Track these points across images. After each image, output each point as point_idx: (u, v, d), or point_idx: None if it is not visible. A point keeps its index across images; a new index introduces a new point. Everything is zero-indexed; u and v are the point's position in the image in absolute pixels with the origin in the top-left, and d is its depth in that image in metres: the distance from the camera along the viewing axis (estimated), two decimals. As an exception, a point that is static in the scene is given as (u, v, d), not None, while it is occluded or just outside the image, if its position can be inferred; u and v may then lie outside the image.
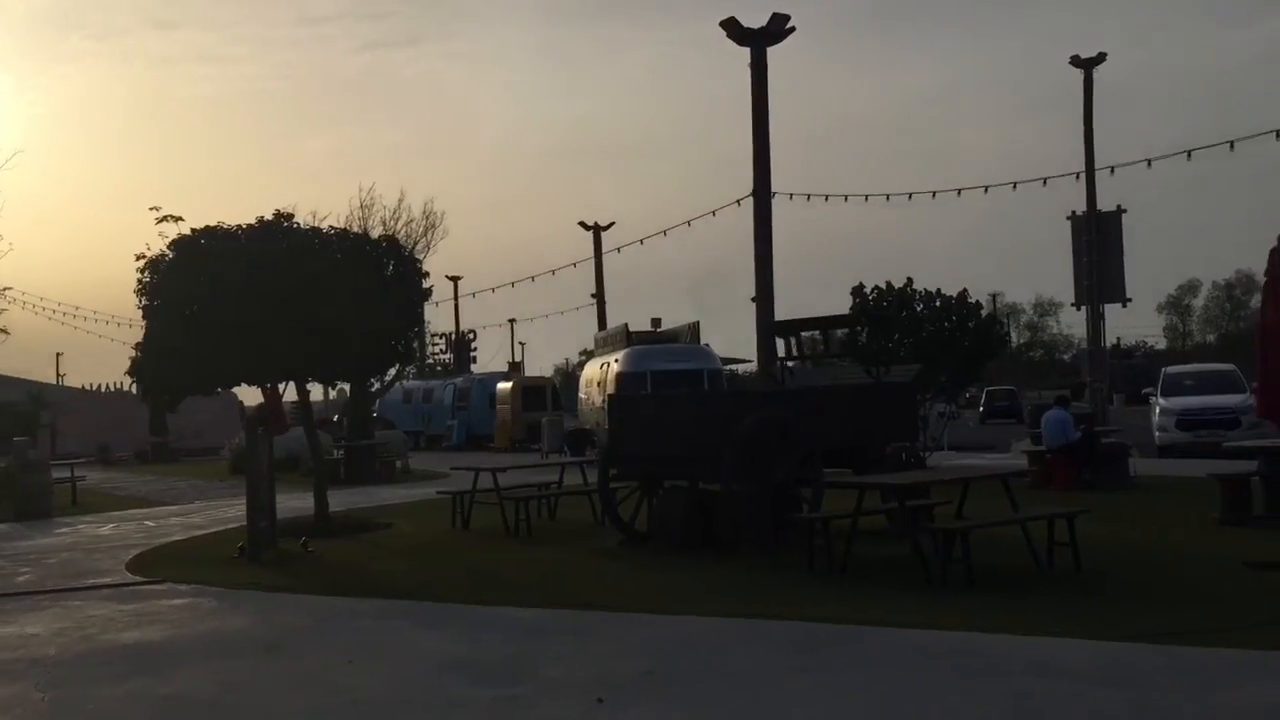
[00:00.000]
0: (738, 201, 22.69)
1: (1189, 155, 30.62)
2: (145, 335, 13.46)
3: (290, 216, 13.81)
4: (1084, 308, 32.11)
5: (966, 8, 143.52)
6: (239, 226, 13.61)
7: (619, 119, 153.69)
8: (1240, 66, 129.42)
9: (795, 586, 9.94)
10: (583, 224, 43.27)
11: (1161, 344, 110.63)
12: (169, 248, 13.32)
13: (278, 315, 13.00)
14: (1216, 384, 24.88)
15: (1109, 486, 16.84)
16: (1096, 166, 31.08)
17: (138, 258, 13.69)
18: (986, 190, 27.41)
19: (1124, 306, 32.40)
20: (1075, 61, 31.56)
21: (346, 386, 32.47)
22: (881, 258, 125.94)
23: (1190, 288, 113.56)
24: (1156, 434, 24.29)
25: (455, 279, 57.25)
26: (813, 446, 12.19)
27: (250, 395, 39.86)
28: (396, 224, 44.85)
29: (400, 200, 71.82)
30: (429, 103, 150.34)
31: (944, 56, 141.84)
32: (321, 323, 13.17)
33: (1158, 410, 24.24)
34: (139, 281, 13.36)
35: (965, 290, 19.65)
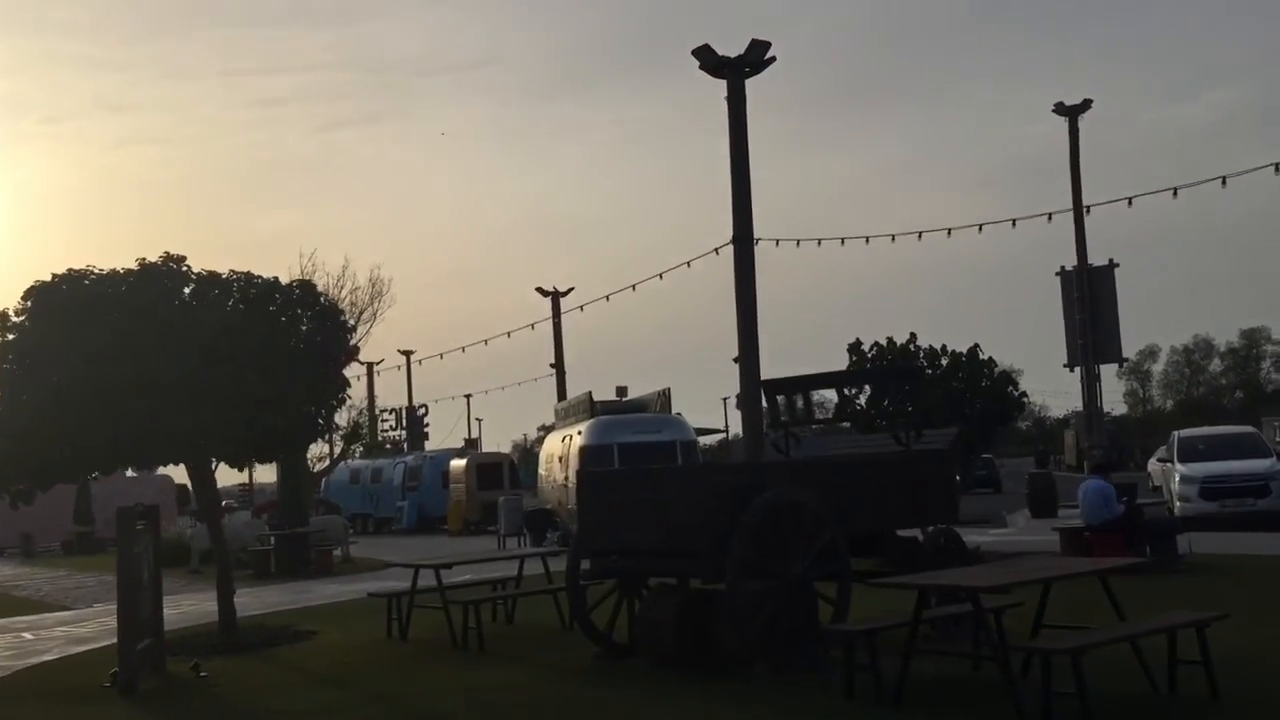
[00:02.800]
0: (716, 250, 20.46)
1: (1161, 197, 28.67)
2: (-4, 411, 10.74)
3: (181, 259, 11.23)
4: (1077, 369, 30.30)
5: (929, 83, 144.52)
6: (114, 271, 10.99)
7: (575, 195, 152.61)
8: (1190, 132, 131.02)
9: (838, 727, 7.38)
10: (540, 289, 40.94)
11: (1121, 409, 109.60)
12: (23, 298, 10.65)
13: (164, 381, 10.35)
14: (1236, 448, 22.74)
15: (1158, 569, 14.41)
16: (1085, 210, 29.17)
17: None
18: (980, 229, 25.23)
19: (1121, 367, 30.55)
20: (1060, 109, 29.95)
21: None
22: (861, 316, 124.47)
23: (1150, 352, 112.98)
24: (1177, 504, 22.01)
25: (407, 353, 54.63)
26: (837, 533, 9.68)
27: (184, 475, 37.01)
28: (340, 292, 42.49)
29: (345, 267, 69.44)
30: (383, 183, 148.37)
31: (905, 131, 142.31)
32: (218, 389, 10.53)
33: (1177, 478, 22.00)
34: (-14, 341, 10.67)
35: (976, 346, 17.38)
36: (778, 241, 21.70)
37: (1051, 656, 6.82)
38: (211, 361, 10.63)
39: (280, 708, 9.39)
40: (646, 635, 10.04)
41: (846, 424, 13.57)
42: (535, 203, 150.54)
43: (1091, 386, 30.23)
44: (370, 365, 52.04)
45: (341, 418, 47.03)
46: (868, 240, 23.19)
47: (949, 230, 27.55)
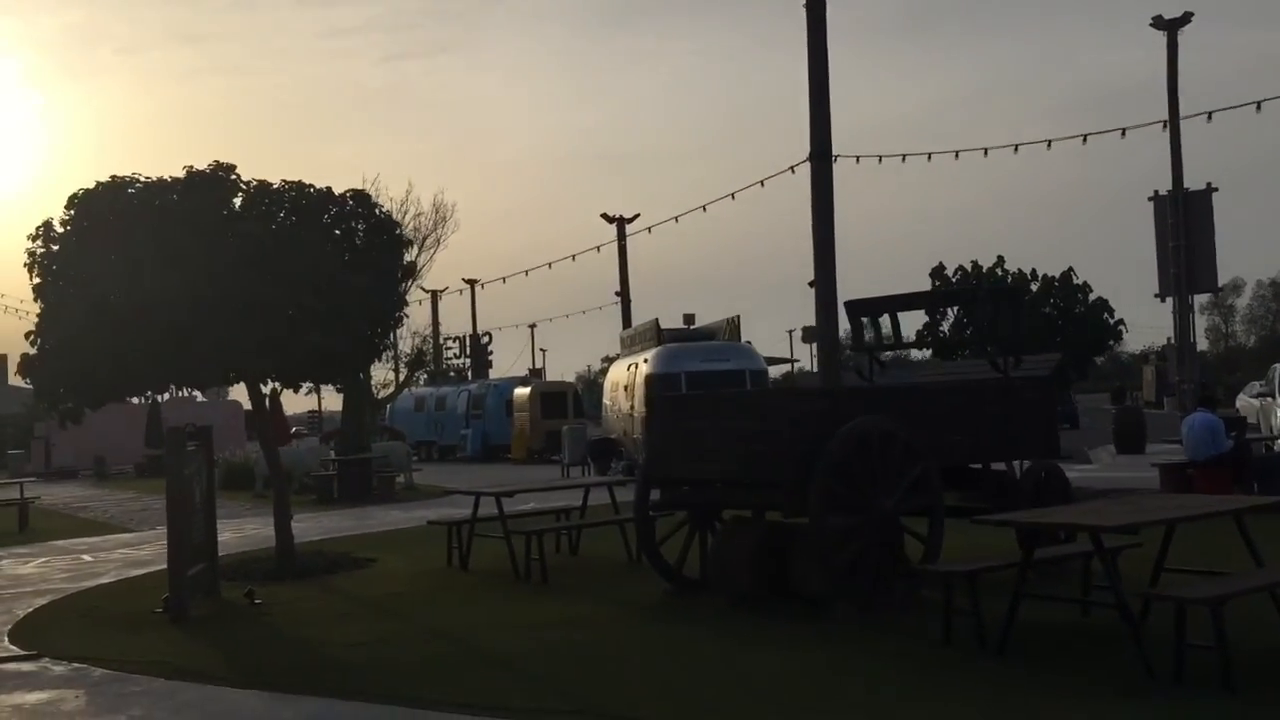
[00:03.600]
0: (791, 168, 19.40)
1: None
2: (39, 324, 10.23)
3: (231, 168, 10.58)
4: (1169, 300, 28.77)
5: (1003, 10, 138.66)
6: (160, 179, 10.37)
7: (645, 125, 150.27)
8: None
9: (940, 675, 6.64)
10: (605, 216, 39.99)
11: (1202, 344, 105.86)
12: (66, 208, 10.09)
13: (209, 294, 9.76)
14: (1346, 381, 21.38)
15: (1272, 509, 13.37)
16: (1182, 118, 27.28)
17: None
18: (1050, 145, 23.64)
19: (1215, 297, 29.04)
20: (1158, 23, 28.13)
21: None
22: (944, 240, 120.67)
23: (1235, 286, 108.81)
24: None
25: (471, 281, 54.22)
26: (929, 465, 8.87)
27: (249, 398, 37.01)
28: (404, 217, 42.05)
29: (408, 192, 69.04)
30: (450, 114, 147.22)
31: (978, 60, 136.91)
32: (267, 303, 9.94)
33: (1278, 413, 20.74)
34: (29, 254, 10.14)
35: (1070, 270, 16.23)
36: (858, 159, 20.54)
37: (1186, 606, 5.98)
38: (260, 274, 10.02)
39: (333, 638, 8.89)
40: (721, 571, 9.36)
41: (927, 351, 12.72)
42: (604, 133, 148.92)
43: (1185, 318, 28.79)
44: (434, 293, 51.80)
45: (405, 344, 47.06)
46: (957, 155, 21.86)
47: (1015, 147, 25.81)
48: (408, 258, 11.39)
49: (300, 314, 10.11)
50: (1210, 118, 25.71)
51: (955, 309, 12.63)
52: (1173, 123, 28.16)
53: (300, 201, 10.56)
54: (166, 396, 39.21)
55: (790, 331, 66.85)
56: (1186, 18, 28.12)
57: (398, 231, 11.21)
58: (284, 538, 12.57)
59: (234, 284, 9.99)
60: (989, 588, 7.34)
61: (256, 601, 10.58)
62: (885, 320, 10.62)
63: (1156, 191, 28.83)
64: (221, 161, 10.69)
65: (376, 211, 10.98)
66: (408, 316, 12.62)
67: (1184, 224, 27.85)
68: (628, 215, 40.59)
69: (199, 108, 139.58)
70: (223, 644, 9.02)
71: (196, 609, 10.27)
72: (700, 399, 9.86)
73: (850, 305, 10.84)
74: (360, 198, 10.84)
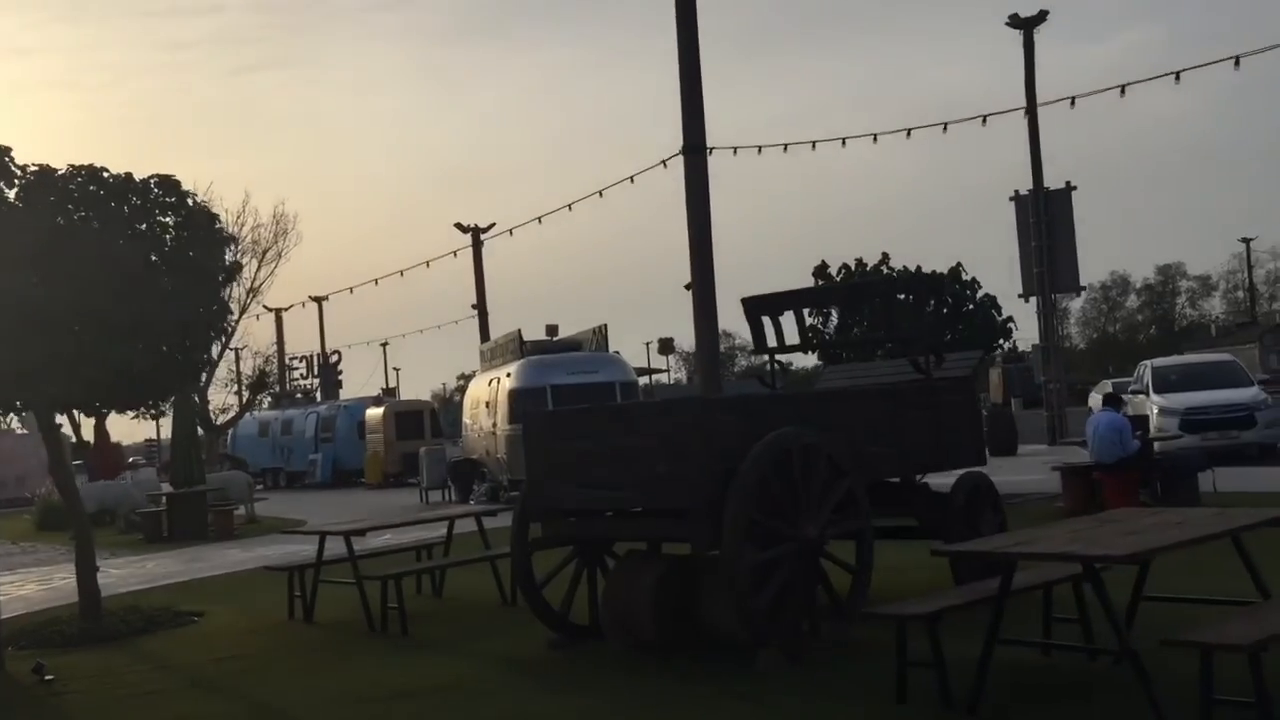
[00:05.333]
0: (664, 162, 18.18)
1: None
2: None
3: (6, 150, 8.64)
4: (1033, 299, 28.70)
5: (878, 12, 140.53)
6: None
7: (494, 141, 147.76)
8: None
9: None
10: (459, 225, 38.25)
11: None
12: None
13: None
14: (1215, 378, 21.29)
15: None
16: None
17: None
18: (945, 128, 23.16)
19: (1078, 295, 29.13)
20: (1014, 22, 28.09)
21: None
22: (822, 239, 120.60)
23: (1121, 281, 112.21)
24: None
25: (319, 299, 51.52)
26: (856, 482, 7.63)
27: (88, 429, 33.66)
28: (241, 229, 39.33)
29: (245, 202, 65.55)
30: (295, 129, 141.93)
31: (856, 63, 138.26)
32: (53, 313, 8.05)
33: (1154, 410, 20.47)
34: None
35: (959, 265, 15.46)
36: (735, 150, 19.43)
37: (1213, 653, 4.83)
38: (44, 278, 8.13)
39: (138, 729, 7.10)
40: (617, 616, 7.92)
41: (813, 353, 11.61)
42: (458, 147, 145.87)
43: (1049, 317, 28.85)
44: (278, 310, 49.00)
45: (246, 365, 44.16)
46: (844, 142, 21.06)
47: (945, 125, 25.32)
48: (230, 257, 9.54)
49: (96, 326, 8.24)
50: (1074, 103, 25.68)
51: (865, 303, 11.58)
52: (1032, 123, 28.20)
53: (91, 189, 8.69)
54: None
55: (647, 344, 65.71)
56: (1042, 15, 28.28)
57: (217, 225, 9.41)
58: (88, 594, 10.57)
59: (12, 291, 8.06)
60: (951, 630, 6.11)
61: (47, 678, 8.63)
62: (790, 318, 9.37)
63: (1017, 191, 28.90)
64: (-7, 142, 8.72)
65: (189, 201, 9.17)
66: (231, 327, 10.78)
67: (1045, 223, 27.97)
68: (484, 226, 38.92)
69: (27, 123, 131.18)
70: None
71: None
72: (585, 414, 8.41)
73: (749, 303, 9.57)
74: (167, 184, 8.99)
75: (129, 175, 8.97)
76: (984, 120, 24.15)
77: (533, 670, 7.77)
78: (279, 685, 7.95)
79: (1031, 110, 27.52)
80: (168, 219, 9.04)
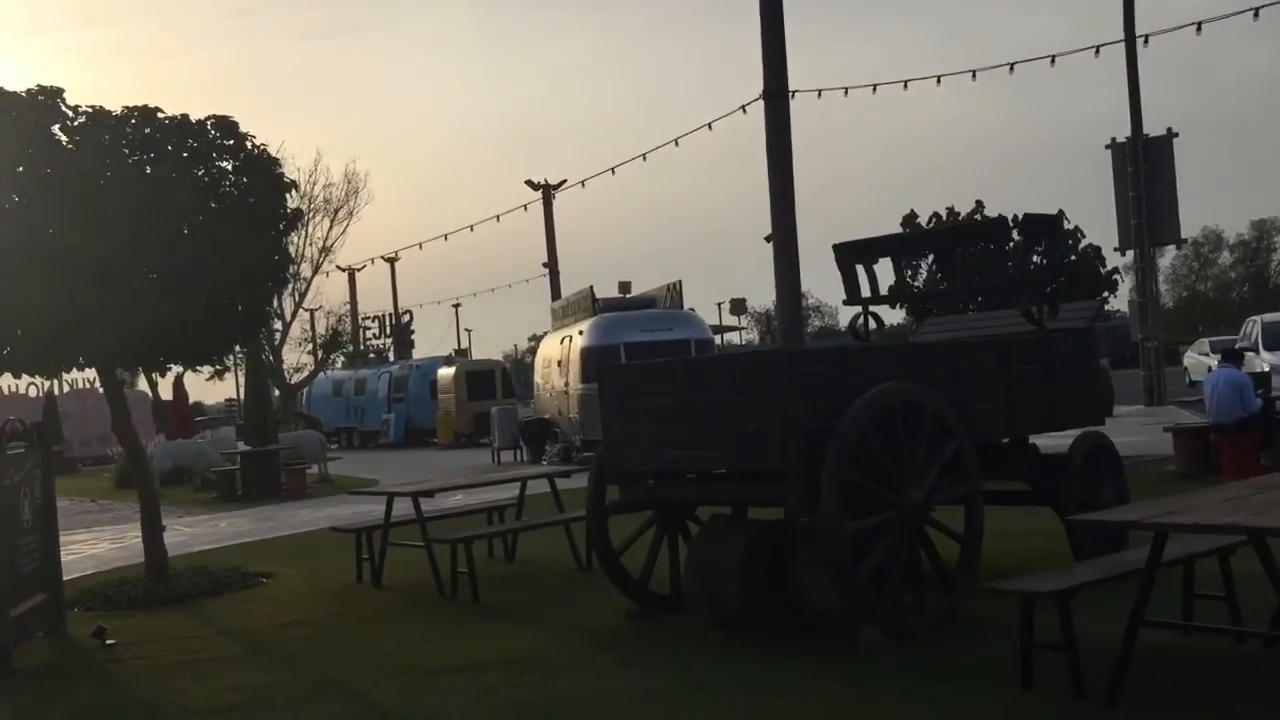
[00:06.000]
0: (743, 107, 17.36)
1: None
2: None
3: (59, 92, 8.22)
4: (1130, 252, 27.32)
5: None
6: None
7: (566, 101, 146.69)
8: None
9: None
10: (530, 183, 37.73)
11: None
12: None
13: (30, 250, 7.44)
14: (1330, 333, 20.02)
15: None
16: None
17: None
18: (1012, 69, 21.91)
19: (1179, 249, 27.67)
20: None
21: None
22: (912, 188, 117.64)
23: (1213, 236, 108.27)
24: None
25: (391, 259, 51.52)
26: (965, 443, 6.92)
27: (168, 387, 33.97)
28: (313, 188, 39.34)
29: (317, 161, 65.91)
30: (366, 94, 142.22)
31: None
32: (105, 261, 7.63)
33: (1266, 369, 19.27)
34: None
35: (1062, 212, 14.41)
36: (820, 92, 18.54)
37: None
38: (96, 225, 7.71)
39: (196, 696, 6.70)
40: (702, 586, 7.33)
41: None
42: (524, 110, 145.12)
43: (1147, 272, 27.46)
44: (351, 270, 49.14)
45: (320, 325, 44.41)
46: (939, 80, 19.86)
47: (973, 73, 24.08)
48: (293, 204, 9.04)
49: (146, 274, 7.80)
50: (1146, 41, 24.22)
51: (973, 247, 10.76)
52: (1130, 65, 26.70)
53: (146, 131, 8.22)
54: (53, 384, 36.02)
55: (719, 304, 64.57)
56: (1141, -47, 26.64)
57: (277, 170, 8.90)
58: (154, 554, 10.29)
59: (60, 237, 7.65)
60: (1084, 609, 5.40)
61: (109, 642, 8.33)
62: (886, 264, 8.64)
63: (1114, 139, 27.43)
64: (45, 85, 8.30)
65: (248, 144, 8.68)
66: (305, 285, 10.36)
67: (1144, 172, 26.54)
68: (554, 183, 38.38)
69: (108, 92, 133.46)
70: (45, 710, 6.79)
71: (28, 656, 8.02)
72: (666, 368, 7.79)
73: (842, 249, 8.85)
74: (225, 126, 8.50)
75: (185, 116, 8.51)
76: (1096, 51, 22.73)
77: (610, 643, 7.23)
78: (342, 654, 7.52)
79: (1130, 49, 25.98)
80: (225, 163, 8.57)
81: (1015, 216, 7.94)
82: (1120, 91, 27.08)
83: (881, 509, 6.52)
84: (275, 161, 8.87)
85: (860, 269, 8.92)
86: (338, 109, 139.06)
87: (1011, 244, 7.90)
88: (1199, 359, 36.97)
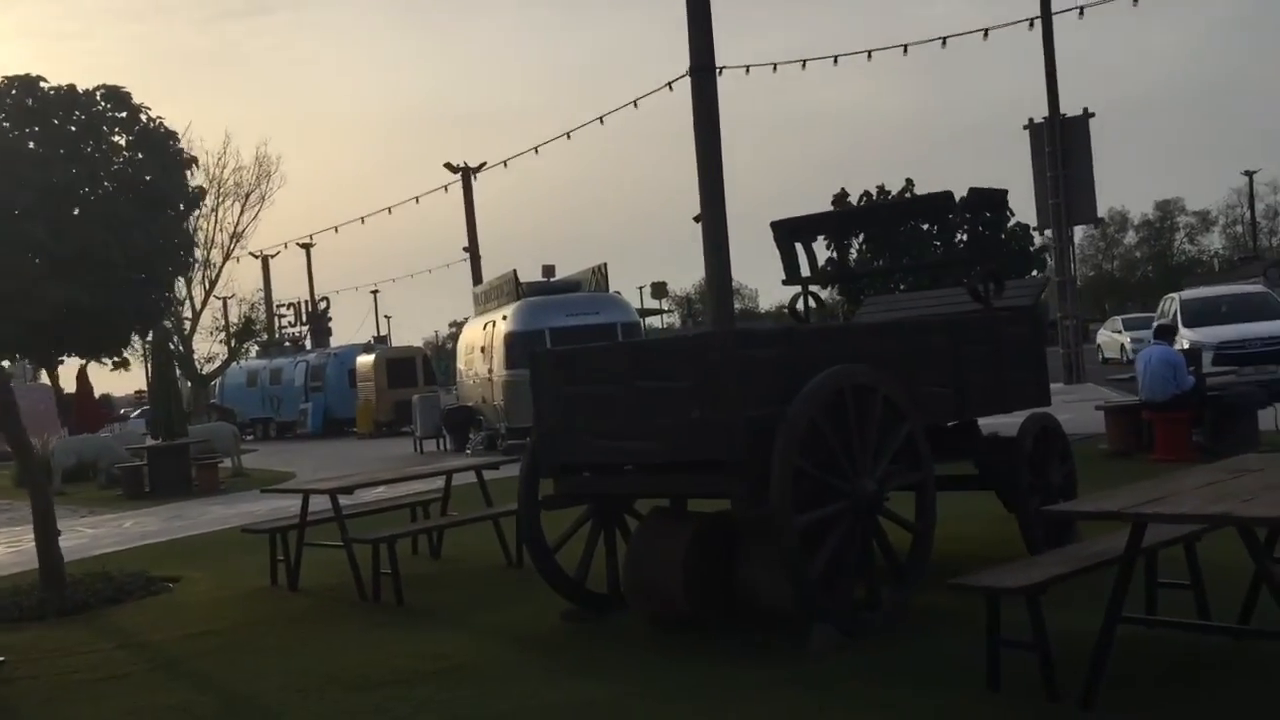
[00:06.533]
0: (669, 85, 16.92)
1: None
2: None
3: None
4: (1048, 231, 27.53)
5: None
6: None
7: (491, 84, 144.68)
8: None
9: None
10: (449, 165, 36.85)
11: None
12: None
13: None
14: (1247, 310, 20.30)
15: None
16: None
17: None
18: (944, 42, 21.74)
19: (1095, 228, 27.95)
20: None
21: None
22: (838, 168, 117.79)
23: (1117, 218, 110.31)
24: (1186, 374, 19.49)
25: (306, 245, 50.16)
26: (916, 427, 6.60)
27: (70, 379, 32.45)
28: (222, 172, 38.00)
29: (225, 143, 63.92)
30: (278, 76, 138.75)
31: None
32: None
33: (1185, 345, 19.44)
34: None
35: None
36: (748, 69, 18.13)
37: None
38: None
39: (91, 724, 6.10)
40: (643, 584, 6.91)
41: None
42: (448, 93, 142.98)
43: (1065, 250, 27.71)
44: (265, 256, 47.74)
45: (234, 313, 42.99)
46: (869, 55, 19.66)
47: (905, 47, 23.92)
48: (194, 181, 8.37)
49: (31, 259, 7.11)
50: (1082, 13, 24.31)
51: (917, 223, 10.50)
52: (1047, 44, 26.85)
53: (28, 103, 7.50)
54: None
55: (640, 288, 63.90)
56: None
57: (176, 145, 8.22)
58: (49, 560, 9.56)
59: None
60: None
61: (-3, 660, 7.64)
62: (825, 243, 8.29)
63: (1031, 119, 27.63)
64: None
65: (143, 117, 7.99)
66: (200, 261, 9.65)
67: (1061, 152, 26.75)
68: (474, 165, 37.54)
69: (13, 72, 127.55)
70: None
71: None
72: (603, 352, 7.34)
73: (780, 226, 8.47)
74: (116, 97, 7.78)
75: (71, 87, 7.78)
76: (1031, 24, 22.63)
77: (548, 648, 6.78)
78: (255, 668, 6.95)
79: (1047, 27, 26.10)
80: (118, 138, 7.88)
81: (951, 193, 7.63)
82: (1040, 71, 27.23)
83: (833, 499, 6.16)
84: (172, 135, 8.19)
85: (800, 247, 8.55)
86: (249, 93, 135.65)
87: (958, 219, 7.56)
88: (1112, 337, 37.61)
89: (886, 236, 9.28)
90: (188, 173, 8.31)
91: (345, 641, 7.38)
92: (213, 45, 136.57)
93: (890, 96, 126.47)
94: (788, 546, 5.91)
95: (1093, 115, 27.04)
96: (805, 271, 8.53)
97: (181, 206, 8.30)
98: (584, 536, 7.48)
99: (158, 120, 8.09)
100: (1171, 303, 21.82)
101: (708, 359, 6.16)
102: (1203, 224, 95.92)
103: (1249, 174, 70.88)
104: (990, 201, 8.41)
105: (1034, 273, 20.24)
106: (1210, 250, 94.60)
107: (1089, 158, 26.80)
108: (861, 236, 14.82)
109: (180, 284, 37.52)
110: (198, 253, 34.14)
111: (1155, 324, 21.99)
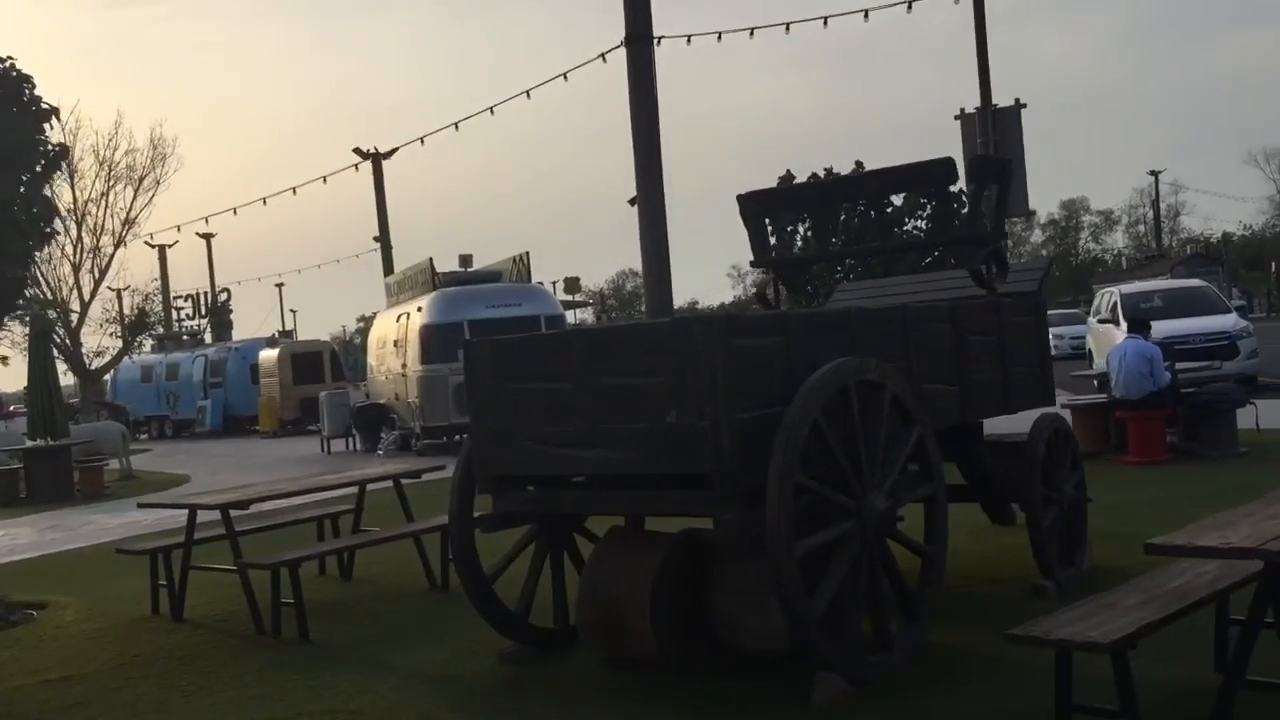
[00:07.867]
0: (603, 55, 15.72)
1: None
2: None
3: None
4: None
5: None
6: None
7: (394, 73, 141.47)
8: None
9: None
10: (358, 150, 35.08)
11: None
12: None
13: None
14: (1189, 305, 19.85)
15: (1216, 457, 11.03)
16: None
17: None
18: (866, 15, 20.65)
19: (1027, 221, 27.60)
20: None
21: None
22: (781, 153, 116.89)
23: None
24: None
25: (207, 234, 47.76)
26: (926, 430, 5.57)
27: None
28: (113, 154, 35.77)
29: (117, 123, 60.73)
30: (179, 64, 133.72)
31: None
32: None
33: (1122, 340, 18.93)
34: None
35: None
36: (689, 38, 16.92)
37: None
38: None
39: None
40: (601, 618, 5.76)
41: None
42: (350, 81, 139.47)
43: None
44: (161, 246, 45.33)
45: (127, 304, 40.68)
46: (787, 28, 18.65)
47: (865, 12, 22.77)
48: (55, 138, 6.96)
49: None
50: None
51: (901, 194, 9.51)
52: (980, 33, 26.30)
53: None
54: None
55: (554, 282, 62.41)
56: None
57: (31, 91, 6.79)
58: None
59: None
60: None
61: None
62: (800, 217, 7.22)
63: (963, 109, 27.04)
64: None
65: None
66: (59, 233, 8.21)
67: (994, 144, 26.20)
68: (385, 152, 35.87)
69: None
70: None
71: None
72: (557, 340, 6.16)
73: (748, 200, 7.38)
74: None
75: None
76: (909, 7, 21.74)
77: (483, 694, 5.60)
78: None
79: (980, 17, 25.51)
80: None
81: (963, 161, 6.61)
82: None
83: (837, 520, 5.09)
84: (26, 80, 6.77)
85: (768, 223, 7.48)
86: (148, 80, 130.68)
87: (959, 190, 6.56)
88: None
89: (876, 209, 8.45)
90: (46, 126, 6.90)
91: (238, 692, 6.09)
92: (112, 31, 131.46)
93: (818, 93, 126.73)
94: (787, 577, 4.82)
95: (1025, 106, 26.59)
96: (775, 250, 7.45)
97: (39, 168, 6.88)
98: (528, 557, 6.31)
99: (9, 61, 6.68)
100: (1111, 296, 21.32)
101: (687, 350, 5.02)
102: (1106, 223, 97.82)
103: (1155, 174, 72.07)
104: (995, 170, 7.45)
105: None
106: (1114, 249, 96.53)
107: (1021, 149, 26.30)
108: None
109: (66, 271, 35.23)
110: (86, 238, 31.98)
111: (1096, 318, 21.54)
